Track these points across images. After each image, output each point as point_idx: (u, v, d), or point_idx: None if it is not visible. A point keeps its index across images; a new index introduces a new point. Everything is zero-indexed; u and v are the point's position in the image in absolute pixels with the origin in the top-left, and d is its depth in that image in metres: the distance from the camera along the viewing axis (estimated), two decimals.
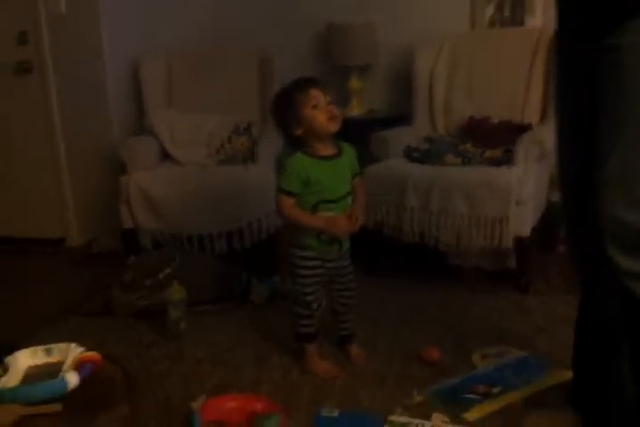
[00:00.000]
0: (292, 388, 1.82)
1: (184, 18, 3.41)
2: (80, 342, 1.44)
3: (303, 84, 1.79)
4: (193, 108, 3.22)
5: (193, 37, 3.43)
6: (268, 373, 1.91)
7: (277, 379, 1.88)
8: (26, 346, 1.42)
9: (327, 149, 1.82)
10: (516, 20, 3.15)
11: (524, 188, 2.41)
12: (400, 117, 3.21)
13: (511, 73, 2.94)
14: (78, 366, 1.32)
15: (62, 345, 1.41)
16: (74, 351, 1.38)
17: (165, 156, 3.08)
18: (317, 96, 1.76)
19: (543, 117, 2.83)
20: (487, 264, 2.67)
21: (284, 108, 1.79)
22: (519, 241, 2.42)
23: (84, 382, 1.28)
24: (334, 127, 1.78)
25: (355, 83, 3.29)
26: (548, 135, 2.50)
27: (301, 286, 1.87)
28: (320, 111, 1.76)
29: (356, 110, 3.28)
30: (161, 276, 2.33)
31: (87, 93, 3.20)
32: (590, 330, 1.47)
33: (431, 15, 3.21)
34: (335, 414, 1.67)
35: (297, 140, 1.81)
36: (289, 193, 1.79)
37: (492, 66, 2.99)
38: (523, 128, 2.72)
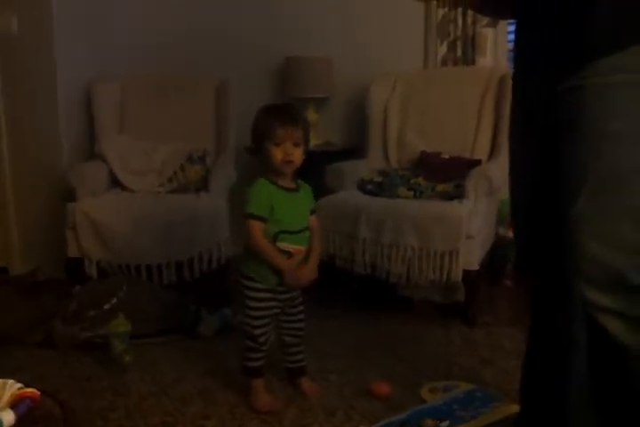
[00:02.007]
0: (239, 423, 1.78)
1: (140, 43, 3.39)
2: (20, 375, 1.38)
3: (278, 118, 1.78)
4: (146, 135, 3.19)
5: (149, 64, 3.41)
6: (214, 407, 1.87)
7: (224, 414, 1.83)
8: None
9: (286, 182, 1.84)
10: (468, 59, 3.25)
11: (473, 222, 2.46)
12: (355, 150, 3.26)
13: (462, 110, 3.02)
14: (15, 404, 1.26)
15: None
16: (11, 388, 1.32)
17: (115, 182, 3.03)
18: (283, 137, 1.76)
19: (492, 154, 2.92)
20: (436, 297, 2.70)
21: (255, 128, 1.82)
22: (468, 275, 2.45)
23: (20, 420, 1.22)
24: (287, 170, 1.80)
25: (312, 115, 3.33)
26: (496, 171, 2.58)
27: (251, 318, 1.85)
28: (279, 151, 1.77)
29: (312, 142, 3.27)
30: (106, 306, 2.26)
31: (37, 116, 3.14)
32: (540, 359, 1.48)
33: (387, 52, 3.29)
34: None
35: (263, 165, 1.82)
36: (259, 218, 1.78)
37: (443, 103, 3.07)
38: (472, 163, 2.79)
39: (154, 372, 2.10)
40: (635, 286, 1.18)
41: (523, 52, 1.38)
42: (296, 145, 1.78)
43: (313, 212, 1.92)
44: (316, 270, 1.89)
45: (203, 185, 2.96)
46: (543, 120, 1.31)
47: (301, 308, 1.94)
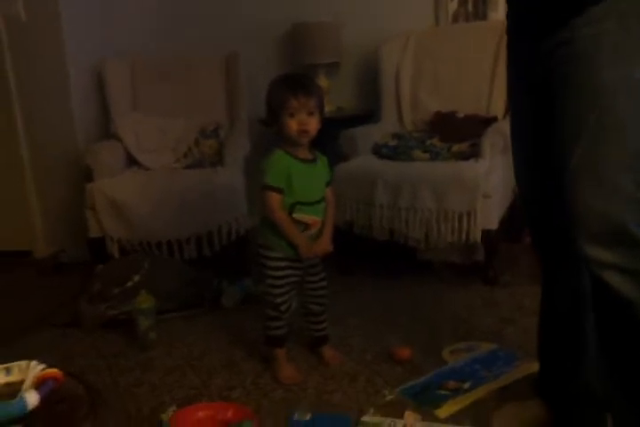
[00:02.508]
0: (263, 393, 1.81)
1: (147, 20, 3.38)
2: (48, 356, 1.42)
3: (291, 88, 1.75)
4: (159, 112, 3.19)
5: (157, 40, 3.39)
6: (238, 378, 1.90)
7: (248, 384, 1.87)
8: None
9: (303, 153, 1.82)
10: (479, 14, 3.17)
11: (490, 181, 2.43)
12: (368, 115, 3.21)
13: (476, 67, 2.95)
14: (38, 385, 1.30)
15: (22, 363, 1.38)
16: (34, 369, 1.35)
17: (132, 161, 3.05)
18: (297, 107, 1.73)
19: (508, 110, 2.84)
20: (456, 258, 2.69)
21: (268, 100, 1.79)
22: (487, 234, 2.43)
23: (44, 401, 1.25)
24: (303, 141, 1.78)
25: (322, 81, 3.28)
26: None
27: (271, 287, 1.86)
28: (294, 121, 1.75)
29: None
30: (129, 284, 2.30)
31: (50, 99, 3.15)
32: (554, 318, 1.49)
33: (395, 12, 3.22)
34: (308, 417, 1.67)
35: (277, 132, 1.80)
36: (276, 189, 1.77)
37: (456, 61, 3.00)
38: (488, 121, 2.74)
39: (179, 346, 2.15)
40: (637, 239, 1.16)
41: (514, 8, 1.35)
42: (310, 114, 1.75)
43: (329, 183, 1.91)
44: (331, 243, 1.88)
45: (218, 159, 2.96)
46: (537, 78, 1.29)
47: (323, 275, 1.94)
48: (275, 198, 1.77)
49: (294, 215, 1.80)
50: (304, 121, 1.74)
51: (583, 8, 1.15)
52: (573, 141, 1.19)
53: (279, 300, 1.86)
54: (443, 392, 1.73)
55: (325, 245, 1.87)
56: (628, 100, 1.14)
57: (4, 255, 3.18)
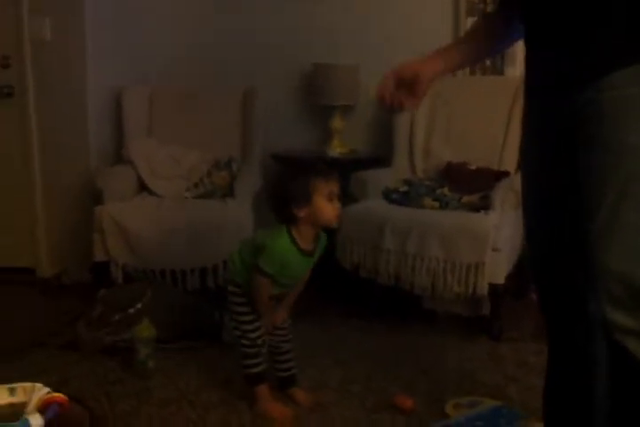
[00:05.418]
0: None
1: (171, 51, 3.42)
2: (45, 378, 1.39)
3: (325, 172, 1.80)
4: (174, 141, 3.21)
5: (178, 71, 3.44)
6: (236, 416, 1.87)
7: (246, 423, 1.83)
8: None
9: (309, 243, 1.84)
10: (497, 69, 3.23)
11: (500, 234, 2.44)
12: (380, 159, 3.24)
13: (490, 120, 2.99)
14: (43, 408, 1.27)
15: (27, 385, 1.35)
16: (39, 392, 1.33)
17: (143, 187, 3.05)
18: (334, 190, 1.79)
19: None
20: (461, 310, 2.67)
21: (298, 185, 1.78)
22: (494, 288, 2.43)
23: (48, 425, 1.23)
24: (336, 224, 1.84)
25: (337, 122, 3.32)
26: None
27: (243, 323, 1.88)
28: (331, 205, 1.78)
29: (337, 149, 3.30)
30: (131, 311, 2.27)
31: (67, 120, 3.17)
32: (562, 382, 1.45)
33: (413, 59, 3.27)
34: None
35: (289, 219, 1.80)
36: (269, 275, 1.82)
37: (471, 113, 3.05)
38: (500, 175, 2.77)
39: (177, 378, 2.11)
40: None
41: (536, 65, 1.34)
42: (339, 199, 1.82)
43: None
44: (289, 312, 1.98)
45: (229, 191, 2.97)
46: (558, 135, 1.29)
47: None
48: (264, 282, 1.83)
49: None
50: (338, 204, 1.80)
51: (609, 72, 1.17)
52: (598, 203, 1.18)
53: (253, 335, 1.87)
54: None
55: (283, 315, 1.95)
56: None
57: (7, 271, 3.13)
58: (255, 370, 1.89)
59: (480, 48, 1.51)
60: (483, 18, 1.55)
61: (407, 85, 1.39)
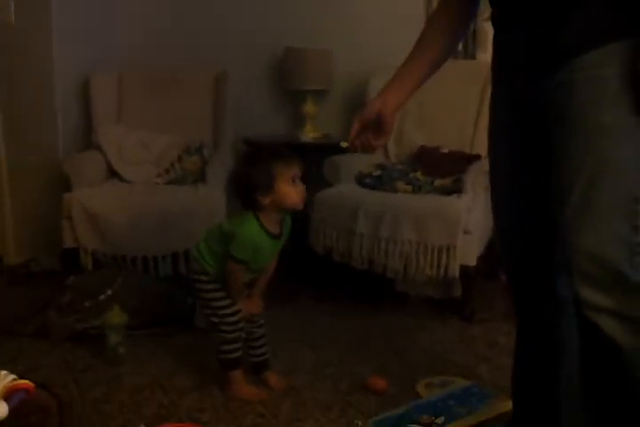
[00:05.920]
0: (233, 416, 1.77)
1: (139, 34, 3.36)
2: (13, 367, 1.37)
3: (286, 156, 1.79)
4: (143, 126, 3.17)
5: (147, 55, 3.37)
6: (209, 400, 1.86)
7: (219, 407, 1.82)
8: None
9: (275, 226, 1.83)
10: (469, 54, 3.24)
11: (471, 217, 2.45)
12: None
13: (462, 104, 3.00)
14: (8, 395, 1.25)
15: None
16: (4, 379, 1.30)
17: (112, 173, 3.01)
18: (297, 173, 1.78)
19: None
20: (433, 292, 2.69)
21: (259, 172, 1.76)
22: (465, 270, 2.45)
23: (14, 412, 1.21)
24: (301, 207, 1.82)
25: (310, 107, 3.30)
26: None
27: (221, 308, 1.86)
28: (295, 189, 1.77)
29: (310, 134, 3.29)
30: (101, 298, 2.25)
31: (34, 106, 3.11)
32: (529, 361, 1.47)
33: (386, 46, 3.25)
34: None
35: (255, 206, 1.79)
36: (242, 262, 1.81)
37: (443, 97, 3.04)
38: (472, 158, 2.78)
39: (148, 364, 2.09)
40: (633, 284, 1.17)
41: (504, 48, 1.34)
42: (302, 181, 1.81)
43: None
44: (261, 303, 1.97)
45: (200, 176, 2.94)
46: (530, 118, 1.29)
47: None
48: (238, 268, 1.83)
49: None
50: (302, 187, 1.79)
51: (580, 54, 1.17)
52: (570, 186, 1.19)
53: (233, 318, 1.86)
54: (415, 426, 1.72)
55: (256, 306, 1.95)
56: (626, 144, 1.15)
57: None
58: (232, 355, 1.88)
59: (437, 54, 1.50)
60: (432, 19, 1.55)
61: (374, 124, 1.45)
